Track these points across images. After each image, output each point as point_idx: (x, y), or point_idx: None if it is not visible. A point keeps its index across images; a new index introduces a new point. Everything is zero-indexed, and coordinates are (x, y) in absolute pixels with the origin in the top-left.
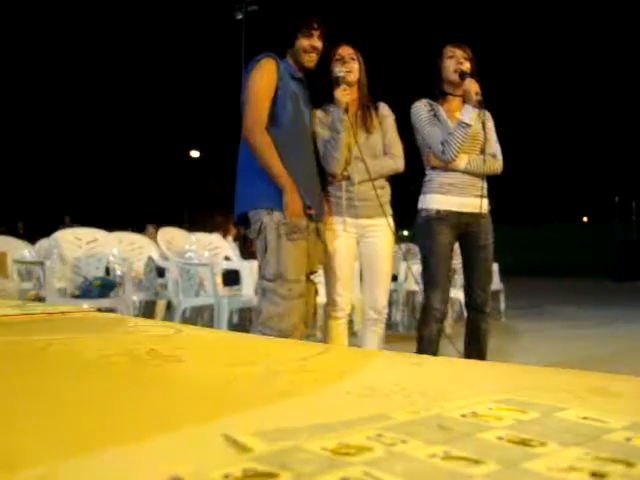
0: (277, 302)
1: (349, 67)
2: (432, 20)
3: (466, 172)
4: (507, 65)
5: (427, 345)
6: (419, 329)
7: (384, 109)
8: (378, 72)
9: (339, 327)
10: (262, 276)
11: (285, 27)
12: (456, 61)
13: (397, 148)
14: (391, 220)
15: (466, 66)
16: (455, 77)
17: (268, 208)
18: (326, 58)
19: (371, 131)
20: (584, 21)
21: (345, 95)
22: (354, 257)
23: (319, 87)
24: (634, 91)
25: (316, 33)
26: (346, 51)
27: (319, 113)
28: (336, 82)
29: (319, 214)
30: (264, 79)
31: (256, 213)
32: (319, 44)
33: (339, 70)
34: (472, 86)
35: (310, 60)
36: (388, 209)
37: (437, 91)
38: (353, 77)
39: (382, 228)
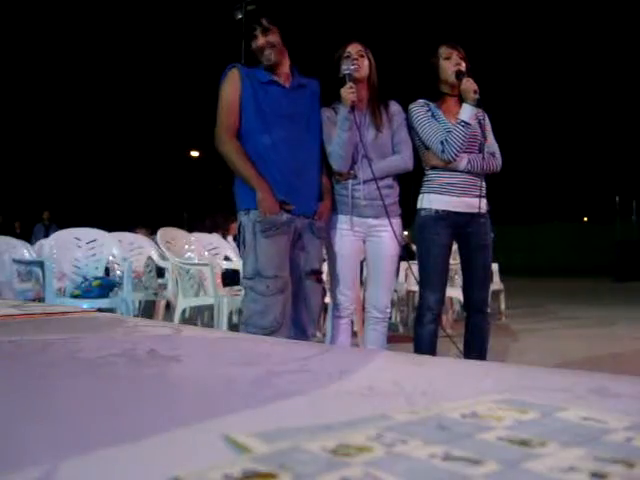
0: (256, 299)
1: (357, 63)
2: (430, 19)
3: (466, 172)
4: (506, 65)
5: (424, 345)
6: (415, 329)
7: (394, 107)
8: (379, 71)
9: (342, 327)
10: (243, 275)
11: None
12: (453, 62)
13: (406, 147)
14: (399, 221)
15: (463, 66)
16: (453, 78)
17: (245, 209)
18: (335, 56)
19: (380, 129)
20: (584, 21)
21: (351, 93)
22: (359, 257)
23: (328, 86)
24: (634, 91)
25: (258, 32)
26: (355, 48)
27: (328, 111)
28: (343, 79)
29: (312, 210)
30: (228, 90)
31: (238, 215)
32: (262, 41)
33: (346, 68)
34: (470, 85)
35: (266, 59)
36: (397, 209)
37: (434, 91)
38: (361, 74)
39: (388, 228)
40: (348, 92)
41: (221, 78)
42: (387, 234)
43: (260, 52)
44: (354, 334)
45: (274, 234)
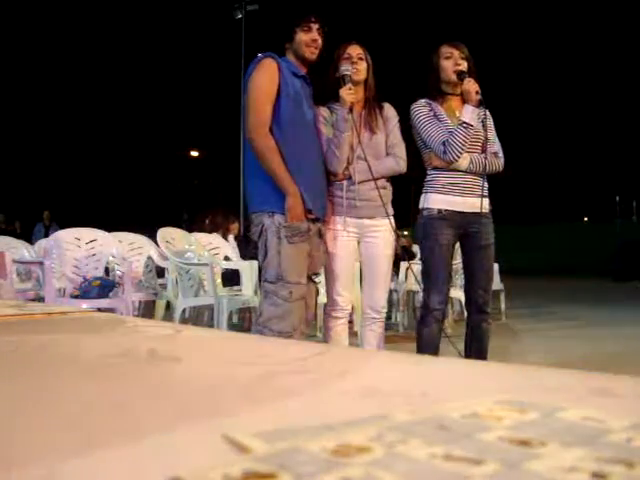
0: (277, 304)
1: (357, 66)
2: (431, 19)
3: (468, 172)
4: (507, 65)
5: (427, 345)
6: (418, 329)
7: (389, 110)
8: (377, 71)
9: (339, 327)
10: (263, 278)
11: (283, 23)
12: (454, 62)
13: (400, 149)
14: (393, 220)
15: (464, 66)
16: (454, 78)
17: (269, 211)
18: (334, 56)
19: (375, 131)
20: (584, 21)
21: (350, 94)
22: (354, 257)
23: (325, 85)
24: (634, 91)
25: (315, 27)
26: (355, 50)
27: (323, 111)
28: (342, 81)
29: (322, 215)
30: (265, 80)
31: (258, 216)
32: (319, 38)
33: (345, 69)
34: (472, 86)
35: (312, 52)
36: (390, 209)
37: (435, 91)
38: (360, 77)
39: (383, 229)
40: (347, 93)
41: (249, 67)
42: (381, 234)
43: (307, 45)
44: (354, 334)
45: (299, 240)
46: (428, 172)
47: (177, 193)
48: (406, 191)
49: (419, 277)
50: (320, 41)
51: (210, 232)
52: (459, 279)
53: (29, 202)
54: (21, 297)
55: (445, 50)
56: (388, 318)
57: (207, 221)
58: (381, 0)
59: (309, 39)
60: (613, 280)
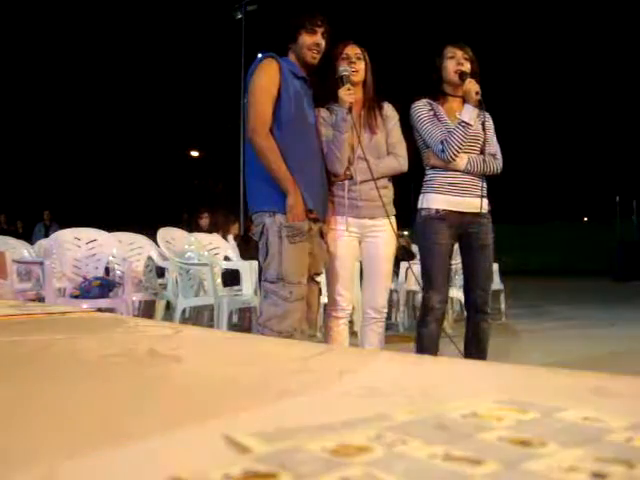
0: (277, 304)
1: (355, 67)
2: (433, 19)
3: (466, 172)
4: (507, 65)
5: (426, 345)
6: (418, 329)
7: (389, 109)
8: (378, 71)
9: (339, 327)
10: (264, 278)
11: (288, 23)
12: (456, 62)
13: (401, 148)
14: (394, 220)
15: (466, 67)
16: (455, 78)
17: (270, 211)
18: (332, 56)
19: (375, 131)
20: (584, 21)
21: (349, 95)
22: (355, 257)
23: (323, 85)
24: (634, 91)
25: (320, 30)
26: (353, 50)
27: (323, 112)
28: (341, 81)
29: (323, 215)
30: (266, 80)
31: (258, 216)
32: (322, 42)
33: (344, 69)
34: (472, 86)
35: (313, 57)
36: (391, 209)
37: (437, 91)
38: (358, 77)
39: (384, 229)
40: (346, 94)
41: (251, 67)
42: (383, 234)
43: (309, 48)
44: (354, 334)
45: (300, 240)
46: (426, 172)
47: (177, 193)
48: (406, 191)
49: (419, 277)
50: (323, 45)
51: (210, 232)
52: (459, 279)
53: (30, 202)
54: (21, 297)
55: (449, 51)
56: (388, 318)
57: (202, 220)
58: (380, 0)
59: (312, 42)
60: (613, 280)
